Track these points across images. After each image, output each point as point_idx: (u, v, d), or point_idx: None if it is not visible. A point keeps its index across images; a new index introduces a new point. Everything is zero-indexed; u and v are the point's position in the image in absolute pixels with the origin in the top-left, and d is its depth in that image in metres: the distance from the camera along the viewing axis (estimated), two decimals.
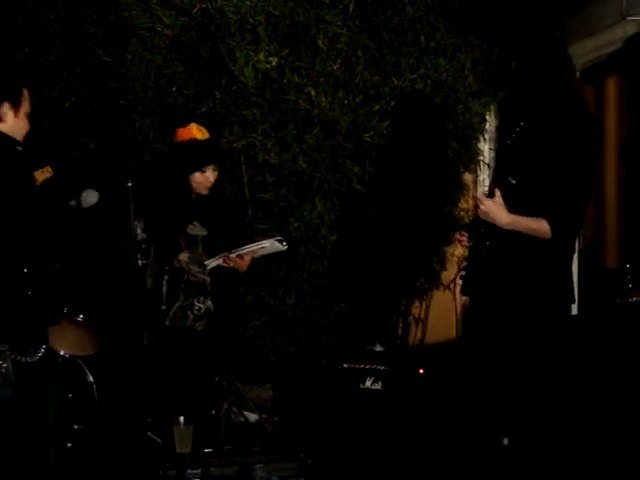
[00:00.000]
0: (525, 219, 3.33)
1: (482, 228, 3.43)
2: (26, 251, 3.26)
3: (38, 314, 3.30)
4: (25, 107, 3.42)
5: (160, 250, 4.47)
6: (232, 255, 4.40)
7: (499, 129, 3.89)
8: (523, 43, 3.43)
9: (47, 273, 3.38)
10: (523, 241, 3.36)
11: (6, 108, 3.36)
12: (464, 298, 6.37)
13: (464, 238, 3.58)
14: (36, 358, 3.26)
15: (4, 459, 3.23)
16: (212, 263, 4.44)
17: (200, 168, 4.45)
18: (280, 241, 4.45)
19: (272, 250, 4.53)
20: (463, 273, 3.60)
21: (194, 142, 4.44)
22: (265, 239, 4.54)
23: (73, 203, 4.40)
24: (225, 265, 4.45)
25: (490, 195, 3.36)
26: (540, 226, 3.32)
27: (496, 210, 3.31)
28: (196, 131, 4.46)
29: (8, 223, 3.24)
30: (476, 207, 3.43)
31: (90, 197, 4.36)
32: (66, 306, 4.96)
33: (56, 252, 3.51)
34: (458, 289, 6.08)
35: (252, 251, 4.45)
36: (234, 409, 5.06)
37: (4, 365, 3.16)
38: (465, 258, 3.66)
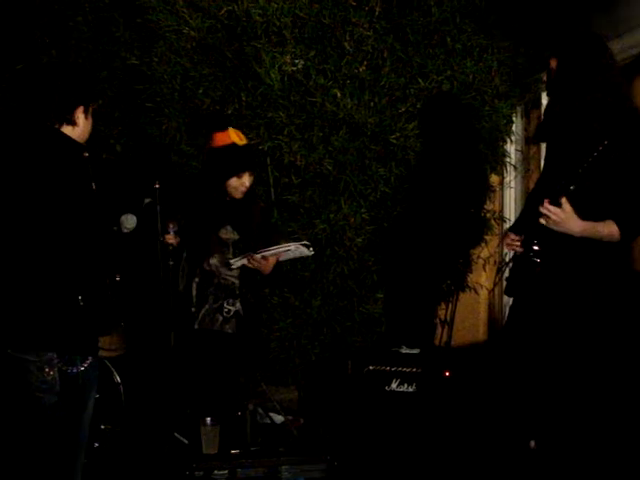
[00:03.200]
0: (596, 224, 3.26)
1: (532, 233, 3.37)
2: (81, 261, 3.19)
3: (89, 324, 3.22)
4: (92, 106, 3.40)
5: (192, 253, 4.49)
6: (257, 255, 4.39)
7: (538, 128, 3.80)
8: (563, 42, 3.39)
9: (103, 284, 3.31)
10: (578, 246, 3.31)
11: (79, 112, 3.31)
12: (490, 299, 6.39)
13: (516, 243, 3.51)
14: (81, 369, 3.22)
15: (32, 463, 3.22)
16: (237, 262, 4.44)
17: (238, 173, 4.46)
18: (307, 246, 4.42)
19: (297, 254, 4.51)
20: (507, 274, 3.54)
21: (234, 147, 4.44)
22: (290, 242, 4.53)
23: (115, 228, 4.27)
24: (249, 265, 4.45)
25: (554, 203, 3.24)
26: (611, 230, 3.26)
27: (568, 219, 3.22)
28: (235, 136, 4.46)
29: (66, 230, 3.16)
30: (535, 216, 3.34)
31: (129, 221, 4.24)
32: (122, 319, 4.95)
33: (115, 264, 3.43)
34: (485, 290, 6.10)
35: (277, 253, 4.44)
36: (260, 410, 5.06)
37: (51, 373, 3.13)
38: (512, 258, 3.60)
